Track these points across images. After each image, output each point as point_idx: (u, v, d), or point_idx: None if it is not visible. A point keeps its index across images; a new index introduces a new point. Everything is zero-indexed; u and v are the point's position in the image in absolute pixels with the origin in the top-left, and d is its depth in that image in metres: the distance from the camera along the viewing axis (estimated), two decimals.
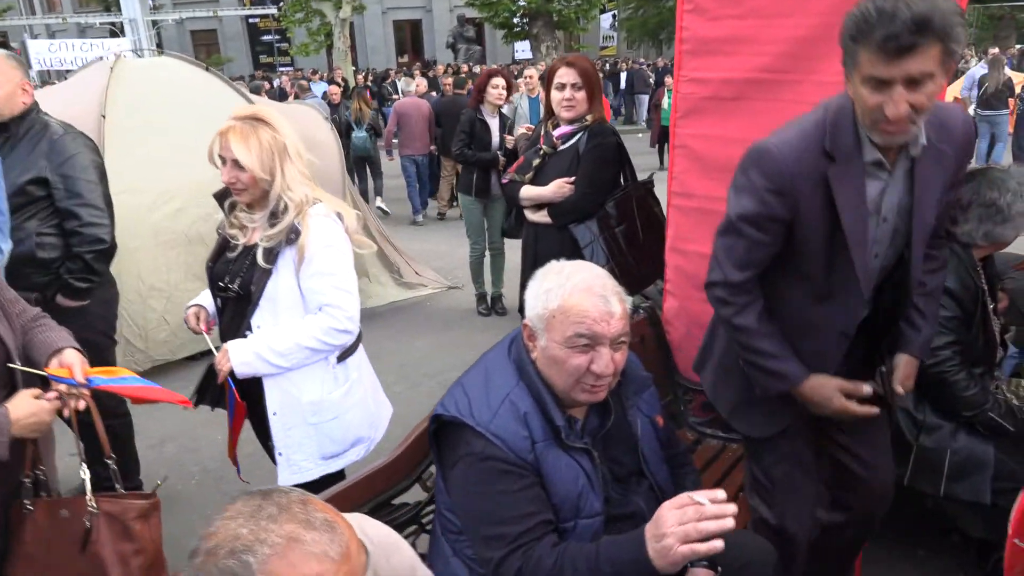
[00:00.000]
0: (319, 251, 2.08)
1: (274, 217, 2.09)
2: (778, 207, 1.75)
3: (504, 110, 5.93)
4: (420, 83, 9.71)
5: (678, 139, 2.71)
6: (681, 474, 1.93)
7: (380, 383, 4.82)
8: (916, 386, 2.23)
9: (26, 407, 1.68)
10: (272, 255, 2.09)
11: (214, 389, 2.30)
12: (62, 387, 1.76)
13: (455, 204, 8.73)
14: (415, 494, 1.97)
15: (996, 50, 14.50)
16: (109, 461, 1.83)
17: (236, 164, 2.06)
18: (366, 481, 1.84)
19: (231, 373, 2.11)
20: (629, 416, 1.77)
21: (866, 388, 1.86)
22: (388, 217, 9.41)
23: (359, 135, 9.25)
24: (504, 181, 3.44)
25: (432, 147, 9.04)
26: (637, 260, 3.13)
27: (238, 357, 2.10)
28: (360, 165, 9.55)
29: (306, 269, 2.08)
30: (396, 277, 6.30)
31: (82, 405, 1.79)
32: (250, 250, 2.13)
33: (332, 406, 2.21)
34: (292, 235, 2.07)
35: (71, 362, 1.81)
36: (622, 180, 3.25)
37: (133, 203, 4.60)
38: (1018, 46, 17.56)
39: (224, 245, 2.25)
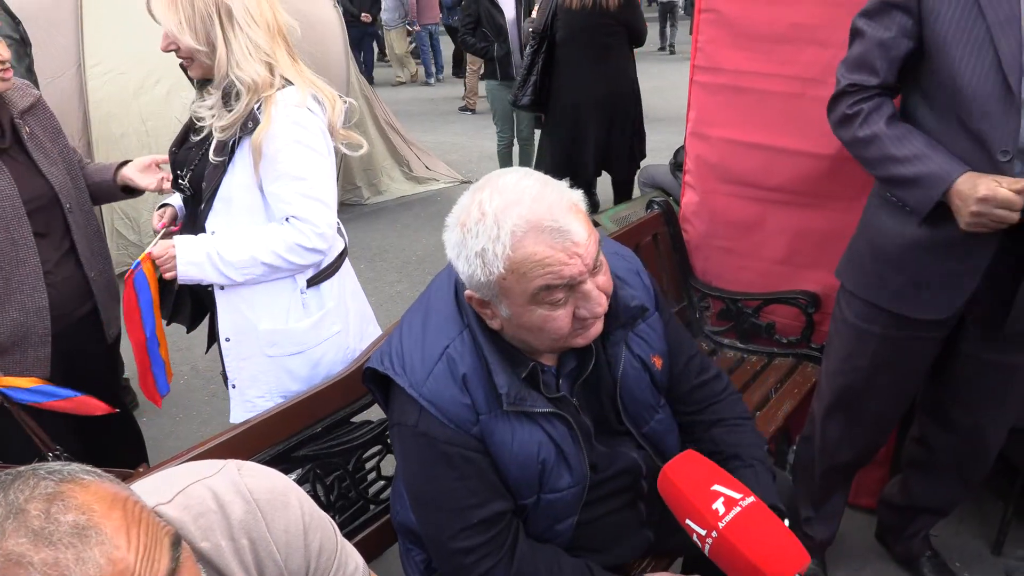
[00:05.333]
0: (284, 148, 1.67)
1: (227, 101, 1.69)
2: None
3: None
4: None
5: (704, 1, 2.28)
6: (707, 405, 1.46)
7: (383, 282, 4.51)
8: None
9: None
10: (225, 148, 1.69)
11: (185, 303, 1.94)
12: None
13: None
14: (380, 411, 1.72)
15: None
16: (52, 455, 1.71)
17: None
18: (318, 398, 1.59)
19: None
20: (610, 354, 1.33)
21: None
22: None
23: None
24: None
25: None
26: None
27: (187, 255, 1.70)
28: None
29: (268, 169, 1.68)
30: (405, 171, 5.96)
31: None
32: (209, 138, 1.74)
33: (295, 339, 1.81)
34: (250, 123, 1.66)
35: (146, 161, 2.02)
36: None
37: (115, 88, 4.29)
38: None
39: (191, 127, 1.84)
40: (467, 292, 1.20)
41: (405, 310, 1.38)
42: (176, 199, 1.96)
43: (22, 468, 0.67)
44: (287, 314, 1.81)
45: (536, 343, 1.21)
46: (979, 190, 1.39)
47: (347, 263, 1.97)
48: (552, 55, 4.24)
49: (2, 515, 0.62)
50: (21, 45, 2.70)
